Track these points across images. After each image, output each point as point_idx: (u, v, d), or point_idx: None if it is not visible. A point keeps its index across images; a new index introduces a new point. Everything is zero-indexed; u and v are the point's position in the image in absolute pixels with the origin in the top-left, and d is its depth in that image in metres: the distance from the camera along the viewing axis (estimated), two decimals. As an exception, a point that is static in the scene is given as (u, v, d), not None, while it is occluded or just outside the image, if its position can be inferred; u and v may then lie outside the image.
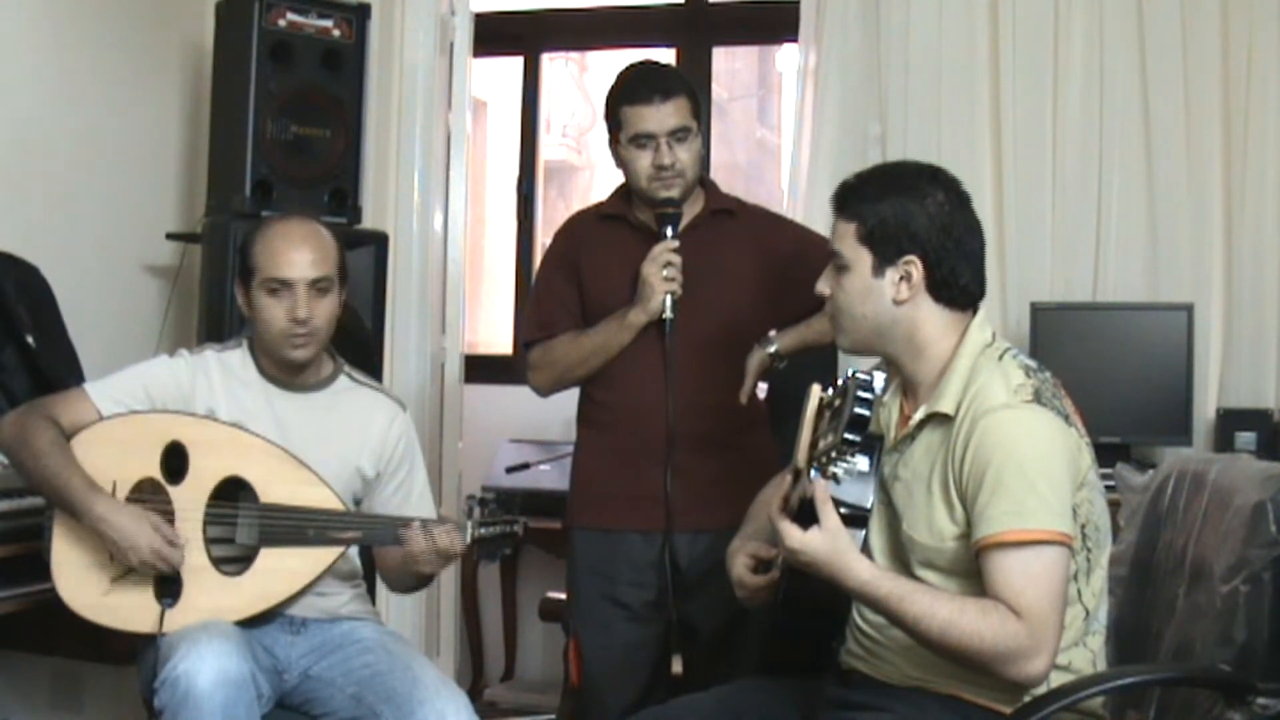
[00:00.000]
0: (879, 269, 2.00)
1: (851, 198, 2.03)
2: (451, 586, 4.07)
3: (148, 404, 2.46)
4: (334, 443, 2.51)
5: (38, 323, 3.08)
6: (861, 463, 1.85)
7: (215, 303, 3.35)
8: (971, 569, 1.93)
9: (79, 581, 2.37)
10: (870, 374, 1.89)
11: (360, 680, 2.43)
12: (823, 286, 2.08)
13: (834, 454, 1.83)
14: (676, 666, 2.75)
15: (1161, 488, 2.32)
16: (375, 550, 2.59)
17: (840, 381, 1.91)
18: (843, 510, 1.93)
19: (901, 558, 2.03)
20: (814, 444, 1.91)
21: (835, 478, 1.84)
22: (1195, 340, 3.48)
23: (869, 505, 1.96)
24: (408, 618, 3.73)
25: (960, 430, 1.94)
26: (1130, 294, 3.60)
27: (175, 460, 2.41)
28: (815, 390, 1.97)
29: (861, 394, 1.83)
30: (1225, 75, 3.54)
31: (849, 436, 1.82)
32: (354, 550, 2.58)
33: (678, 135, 2.65)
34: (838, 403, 1.90)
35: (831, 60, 3.80)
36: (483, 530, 2.39)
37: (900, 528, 2.02)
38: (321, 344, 2.51)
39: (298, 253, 2.44)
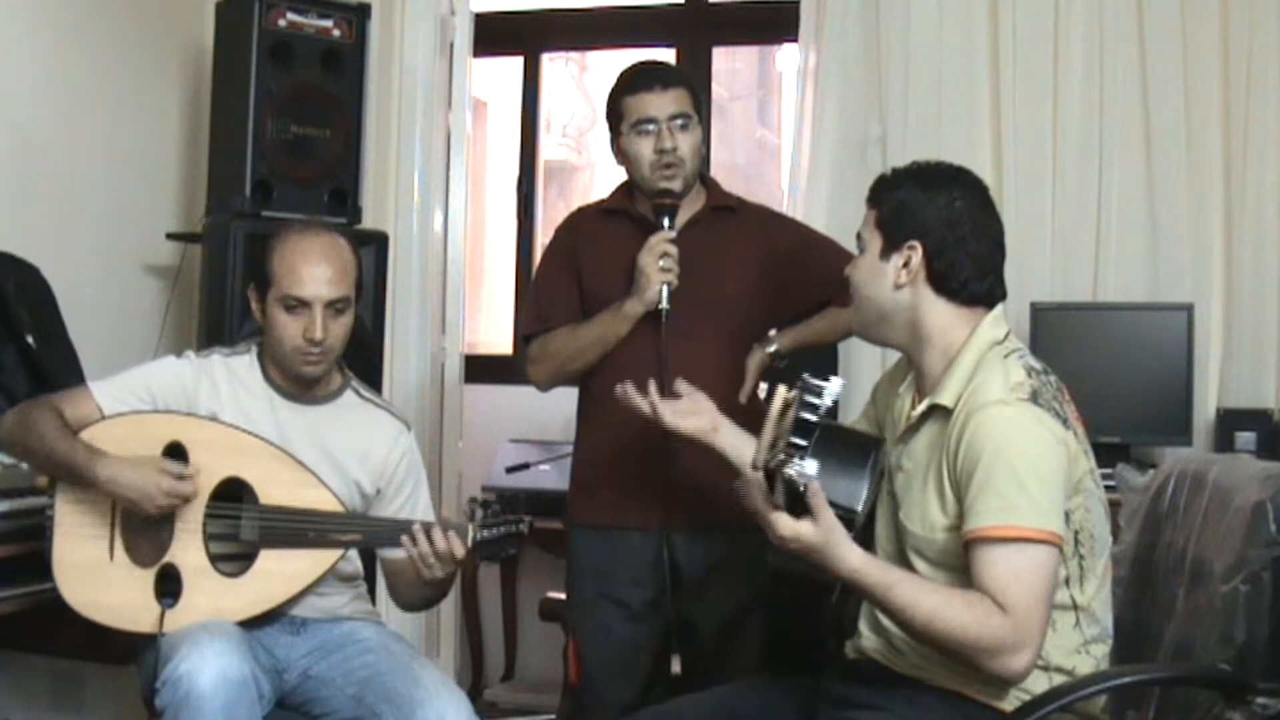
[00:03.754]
0: (885, 253, 2.05)
1: (879, 186, 2.11)
2: (453, 583, 4.07)
3: (151, 405, 2.46)
4: (334, 456, 2.51)
5: (38, 323, 3.09)
6: (810, 466, 1.87)
7: (215, 303, 3.35)
8: (959, 562, 1.94)
9: (80, 580, 2.37)
10: (825, 379, 1.90)
11: (360, 680, 2.43)
12: (847, 268, 2.14)
13: (784, 456, 1.85)
14: (676, 666, 2.75)
15: (1162, 488, 2.33)
16: (384, 569, 2.60)
17: (799, 382, 1.93)
18: (832, 512, 1.94)
19: (901, 545, 2.05)
20: (774, 443, 1.93)
21: (790, 479, 1.86)
22: (1195, 340, 3.49)
23: (859, 509, 1.97)
24: (408, 618, 3.72)
25: (956, 424, 1.95)
26: (1130, 294, 3.60)
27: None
28: (781, 390, 1.99)
29: (810, 399, 1.86)
30: (1225, 75, 3.54)
31: (795, 440, 1.84)
32: (354, 551, 2.58)
33: (679, 121, 2.66)
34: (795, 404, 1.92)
35: (831, 60, 3.80)
36: (485, 533, 2.39)
37: (898, 515, 2.05)
38: (334, 360, 2.51)
39: (318, 270, 2.42)
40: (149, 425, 2.43)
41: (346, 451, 2.53)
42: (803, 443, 1.84)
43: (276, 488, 2.41)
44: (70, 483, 2.37)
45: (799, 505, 1.89)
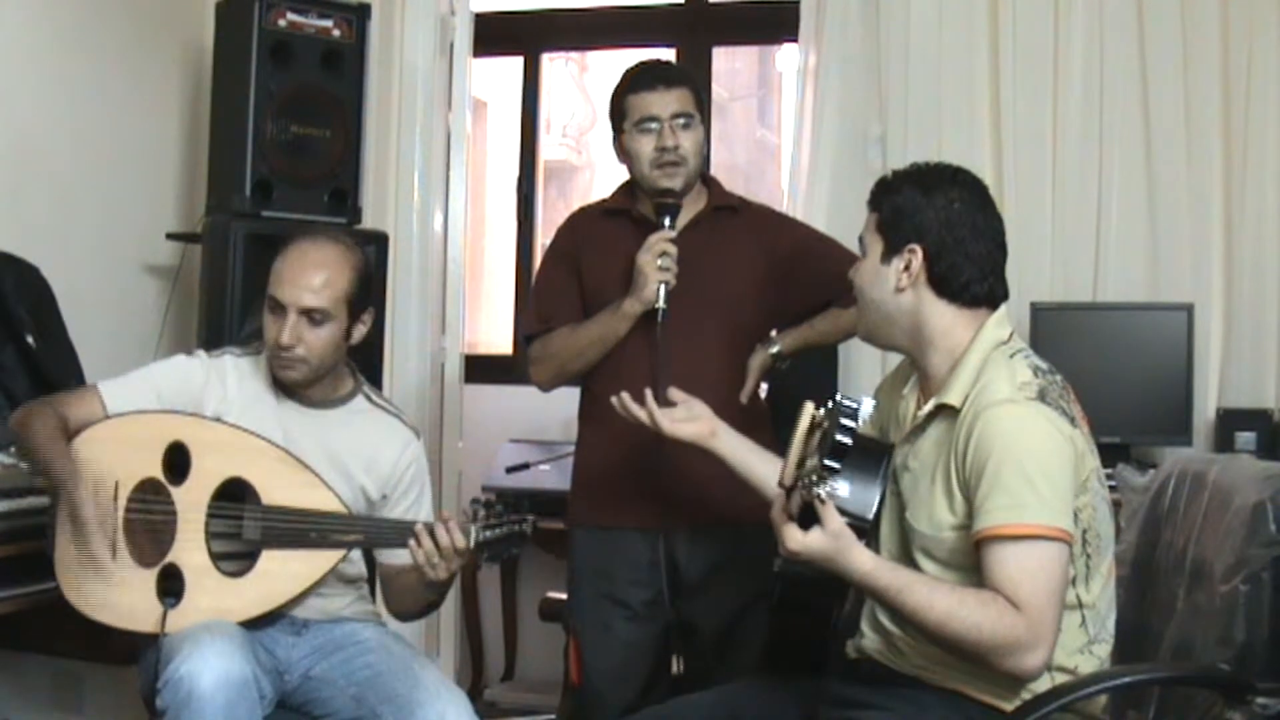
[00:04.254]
0: (886, 256, 2.06)
1: (879, 189, 2.12)
2: (452, 586, 4.06)
3: (158, 405, 2.46)
4: (340, 460, 2.51)
5: (38, 323, 3.09)
6: (842, 488, 1.87)
7: (215, 303, 3.35)
8: (966, 561, 1.94)
9: (82, 579, 2.37)
10: (858, 400, 1.91)
11: (361, 681, 2.43)
12: (850, 271, 2.15)
13: (815, 477, 1.85)
14: (676, 666, 2.75)
15: (1162, 488, 2.33)
16: (381, 575, 2.60)
17: (830, 403, 1.93)
18: (844, 521, 1.94)
19: (905, 545, 2.05)
20: (801, 462, 1.93)
21: (819, 498, 1.86)
22: (1195, 340, 3.49)
23: (871, 517, 1.97)
24: (408, 617, 3.73)
25: (963, 423, 1.96)
26: (1130, 294, 3.60)
27: (178, 460, 2.41)
28: (808, 408, 2.00)
29: (845, 421, 1.87)
30: (1225, 75, 3.55)
31: (829, 463, 1.84)
32: (357, 553, 2.58)
33: (681, 120, 2.67)
34: (826, 424, 1.92)
35: (831, 60, 3.80)
36: (486, 534, 2.39)
37: (904, 515, 2.05)
38: (315, 370, 2.49)
39: (302, 277, 2.43)
40: (153, 424, 2.43)
41: (353, 456, 2.52)
42: (837, 465, 1.85)
43: (279, 488, 2.41)
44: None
45: (811, 516, 1.89)
